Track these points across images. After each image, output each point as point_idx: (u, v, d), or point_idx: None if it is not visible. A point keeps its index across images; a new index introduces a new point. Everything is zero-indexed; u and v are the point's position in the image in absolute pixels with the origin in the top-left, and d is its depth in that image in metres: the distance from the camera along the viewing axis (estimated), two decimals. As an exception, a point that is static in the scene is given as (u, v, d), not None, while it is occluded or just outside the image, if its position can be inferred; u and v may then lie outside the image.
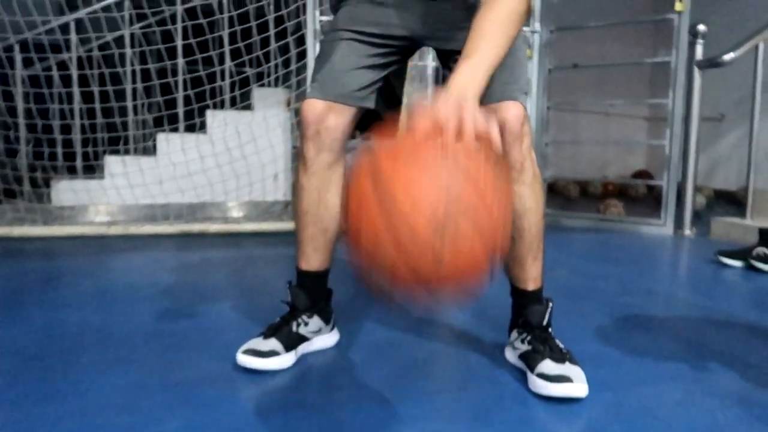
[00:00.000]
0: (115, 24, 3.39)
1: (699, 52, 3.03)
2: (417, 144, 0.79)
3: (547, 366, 1.18)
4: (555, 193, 4.81)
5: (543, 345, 1.24)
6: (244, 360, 1.25)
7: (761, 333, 1.59)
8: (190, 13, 3.42)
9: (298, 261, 1.37)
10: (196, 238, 2.88)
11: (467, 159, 0.79)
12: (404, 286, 0.77)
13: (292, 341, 1.31)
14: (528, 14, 1.07)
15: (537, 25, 3.49)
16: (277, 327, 1.32)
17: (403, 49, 1.32)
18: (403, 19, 1.26)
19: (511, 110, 1.18)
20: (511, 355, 1.31)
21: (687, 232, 3.14)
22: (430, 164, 0.76)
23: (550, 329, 1.29)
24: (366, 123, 1.36)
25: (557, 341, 1.26)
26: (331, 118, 1.25)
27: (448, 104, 0.84)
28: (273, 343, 1.28)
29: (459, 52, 1.00)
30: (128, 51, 3.34)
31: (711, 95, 3.23)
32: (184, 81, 3.41)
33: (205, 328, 1.55)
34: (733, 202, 4.18)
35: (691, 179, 3.16)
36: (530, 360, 1.22)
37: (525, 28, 3.39)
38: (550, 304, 1.30)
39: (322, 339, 1.39)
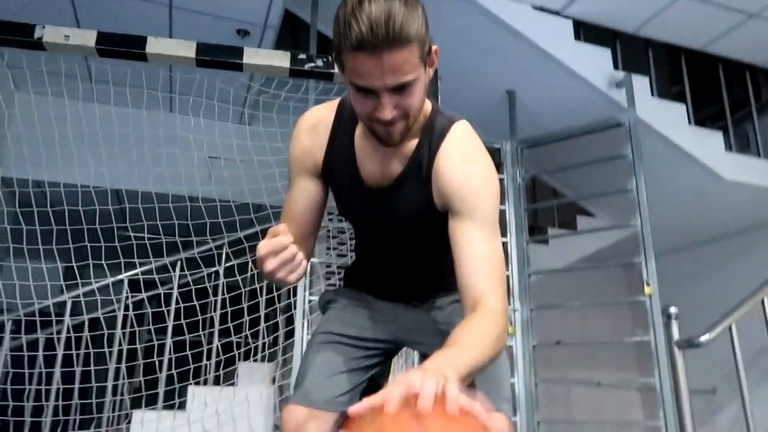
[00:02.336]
0: (109, 302, 3.51)
1: (675, 332, 3.13)
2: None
3: None
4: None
5: None
6: None
7: None
8: (184, 294, 3.58)
9: None
10: None
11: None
12: None
13: None
14: (505, 334, 1.10)
15: (517, 304, 3.65)
16: None
17: (386, 351, 1.36)
18: (386, 324, 1.32)
19: (499, 424, 1.15)
20: None
21: None
22: None
23: None
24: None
25: None
26: (311, 425, 1.22)
27: (424, 375, 0.79)
28: None
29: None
30: (119, 331, 3.39)
31: (702, 368, 3.22)
32: (170, 360, 3.40)
33: None
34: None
35: (694, 464, 2.99)
36: None
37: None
38: None
39: None
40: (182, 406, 3.31)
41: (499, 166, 4.03)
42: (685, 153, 3.68)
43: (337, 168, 1.25)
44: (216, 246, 3.71)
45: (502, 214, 3.93)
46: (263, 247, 1.04)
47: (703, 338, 2.99)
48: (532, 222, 5.08)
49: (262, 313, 3.51)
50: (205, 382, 3.45)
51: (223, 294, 3.51)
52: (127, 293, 3.49)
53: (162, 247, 3.47)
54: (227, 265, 3.66)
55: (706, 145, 3.75)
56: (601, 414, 4.92)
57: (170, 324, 3.50)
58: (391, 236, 1.28)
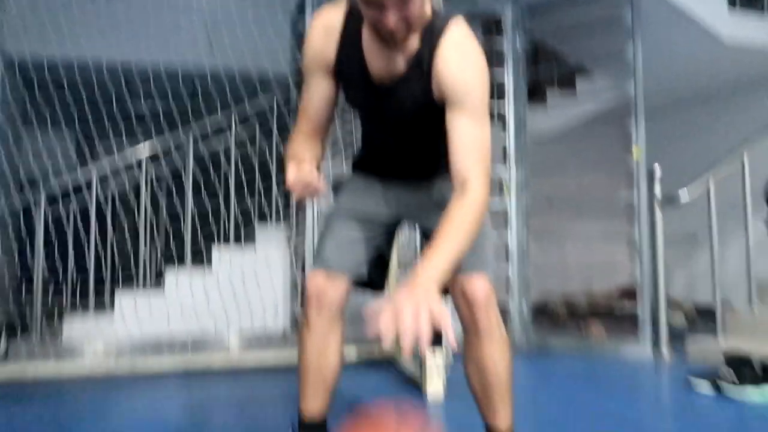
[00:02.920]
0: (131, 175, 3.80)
1: (657, 190, 3.40)
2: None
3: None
4: (544, 314, 5.01)
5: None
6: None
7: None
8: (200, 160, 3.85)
9: (300, 405, 1.55)
10: (199, 375, 3.03)
11: None
12: None
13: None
14: (484, 214, 1.33)
15: (513, 167, 3.89)
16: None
17: (391, 225, 1.61)
18: (390, 204, 1.57)
19: (478, 284, 1.42)
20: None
21: (665, 354, 3.32)
22: None
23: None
24: (362, 282, 1.63)
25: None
26: (330, 288, 1.49)
27: (410, 301, 1.03)
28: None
29: (434, 231, 1.25)
30: (144, 199, 3.69)
31: (686, 215, 3.49)
32: (192, 218, 3.75)
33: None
34: (712, 318, 4.39)
35: (663, 305, 3.40)
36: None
37: (502, 170, 3.78)
38: None
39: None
40: (205, 261, 3.70)
41: (499, 32, 4.06)
42: (683, 12, 3.68)
43: (347, 66, 1.40)
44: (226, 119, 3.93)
45: (500, 80, 4.04)
46: (292, 176, 1.30)
47: (682, 196, 3.27)
48: (533, 83, 5.17)
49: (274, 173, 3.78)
50: (228, 239, 3.81)
51: (236, 162, 3.77)
52: (147, 165, 3.74)
53: (175, 121, 3.67)
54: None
55: (707, 3, 3.73)
56: (592, 260, 5.36)
57: (189, 191, 3.82)
58: (395, 125, 1.47)
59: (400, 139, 1.50)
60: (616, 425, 2.12)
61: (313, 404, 1.53)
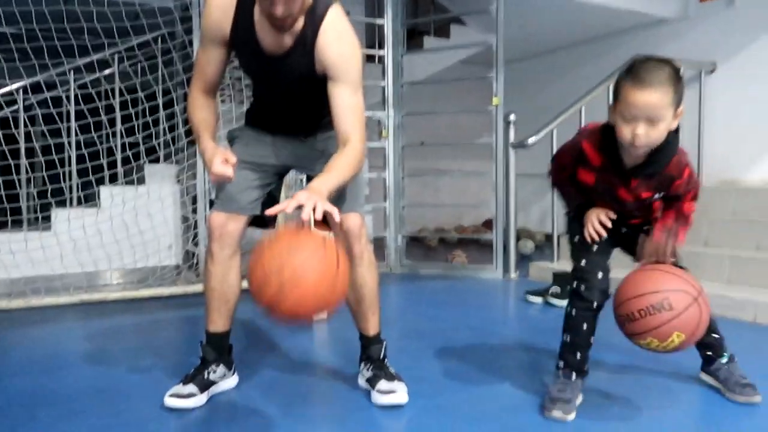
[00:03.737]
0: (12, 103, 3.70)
1: (511, 135, 3.92)
2: (290, 233, 1.34)
3: (382, 385, 1.78)
4: (418, 243, 5.58)
5: (380, 371, 1.84)
6: (170, 402, 1.74)
7: (542, 353, 2.31)
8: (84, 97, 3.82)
9: (207, 325, 1.88)
10: (97, 307, 3.22)
11: (324, 247, 1.33)
12: (274, 314, 1.30)
13: (204, 385, 1.81)
14: (363, 161, 1.68)
15: (391, 110, 4.25)
16: (193, 375, 1.82)
17: (279, 172, 1.92)
18: (279, 154, 1.87)
19: (353, 220, 1.79)
20: (361, 380, 1.91)
21: (512, 275, 3.96)
22: (298, 245, 1.30)
23: (385, 360, 1.90)
24: (255, 221, 1.94)
25: (390, 368, 1.87)
26: (230, 224, 1.80)
27: (307, 194, 1.38)
28: (191, 387, 1.78)
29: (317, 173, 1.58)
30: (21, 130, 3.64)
31: (540, 155, 4.06)
32: (79, 161, 3.77)
33: (135, 382, 1.99)
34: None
35: (513, 232, 4.01)
36: (372, 382, 1.82)
37: (381, 113, 4.13)
38: (385, 343, 1.92)
39: (227, 382, 1.90)
40: (92, 200, 3.77)
41: (380, -19, 4.30)
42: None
43: (241, 39, 1.66)
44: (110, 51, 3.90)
45: (380, 28, 4.32)
46: (216, 171, 1.57)
47: (530, 140, 3.81)
48: (411, 31, 5.49)
49: (162, 114, 3.87)
50: (116, 179, 3.88)
51: (122, 96, 3.81)
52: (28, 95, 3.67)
53: (57, 50, 3.59)
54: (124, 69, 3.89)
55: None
56: (462, 197, 5.96)
57: (73, 124, 3.82)
58: (283, 90, 1.76)
59: (287, 101, 1.80)
60: (465, 328, 2.64)
61: (219, 322, 1.86)
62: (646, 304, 1.49)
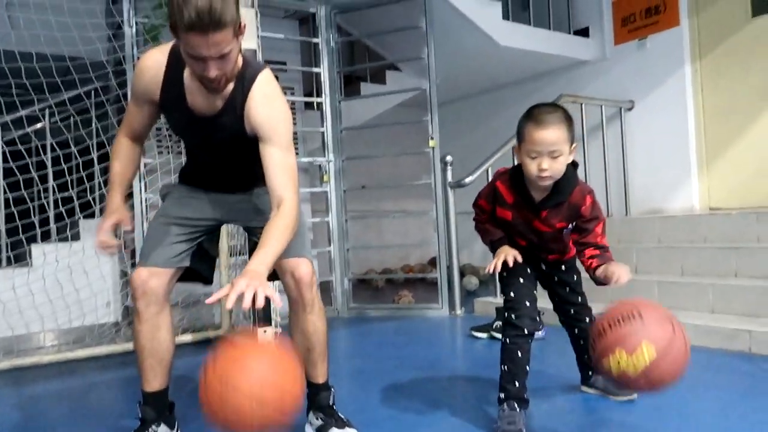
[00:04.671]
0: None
1: (449, 175, 4.04)
2: (240, 346, 1.36)
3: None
4: (366, 284, 5.59)
5: (330, 418, 1.84)
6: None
7: (489, 386, 2.35)
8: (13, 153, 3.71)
9: (143, 385, 1.82)
10: (30, 371, 3.06)
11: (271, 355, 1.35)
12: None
13: (147, 446, 1.75)
14: (298, 218, 1.69)
15: (331, 155, 4.32)
16: (135, 436, 1.77)
17: (212, 227, 1.92)
18: (212, 209, 1.88)
19: (304, 268, 1.78)
20: (309, 430, 1.89)
21: (458, 312, 4.03)
22: (245, 358, 1.32)
23: (334, 406, 1.90)
24: (191, 275, 1.92)
25: (340, 414, 1.87)
26: (152, 280, 1.77)
27: (246, 280, 1.40)
28: (133, 449, 1.72)
29: (255, 228, 1.59)
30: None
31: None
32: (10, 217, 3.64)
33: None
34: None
35: (456, 270, 4.09)
36: (322, 430, 1.81)
37: (322, 158, 4.17)
38: (333, 390, 1.91)
39: (169, 441, 1.85)
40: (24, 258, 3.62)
41: (315, 30, 4.42)
42: (470, 21, 4.34)
43: (171, 101, 1.69)
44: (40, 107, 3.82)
45: (317, 76, 4.42)
46: (98, 238, 1.67)
47: (467, 179, 3.93)
48: (349, 77, 5.63)
49: (97, 167, 3.79)
50: (47, 240, 3.75)
51: (54, 151, 3.72)
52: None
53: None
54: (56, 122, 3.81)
55: (487, 15, 4.43)
56: (406, 237, 6.03)
57: (0, 182, 3.70)
58: (215, 149, 1.78)
59: (219, 159, 1.82)
60: (413, 368, 2.66)
61: (153, 381, 1.81)
62: (616, 314, 1.51)
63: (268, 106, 1.66)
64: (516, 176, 1.82)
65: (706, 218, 3.71)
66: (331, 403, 1.89)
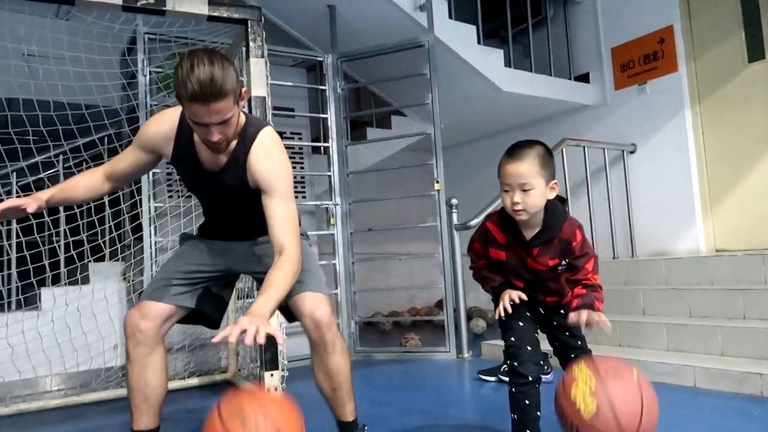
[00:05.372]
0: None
1: (454, 218, 4.09)
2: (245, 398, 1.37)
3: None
4: (372, 327, 5.57)
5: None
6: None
7: (491, 430, 2.33)
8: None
9: (131, 422, 1.87)
10: (36, 416, 3.05)
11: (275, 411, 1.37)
12: None
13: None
14: (300, 265, 1.74)
15: (338, 199, 4.38)
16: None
17: (218, 275, 1.98)
18: (222, 256, 1.96)
19: (321, 309, 1.82)
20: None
21: (465, 355, 4.00)
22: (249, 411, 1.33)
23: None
24: (198, 318, 1.95)
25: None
26: (143, 323, 1.83)
27: (249, 318, 1.44)
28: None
29: (260, 274, 1.66)
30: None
31: None
32: (21, 262, 3.68)
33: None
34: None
35: (463, 312, 4.09)
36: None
37: (329, 202, 4.22)
38: (365, 428, 1.95)
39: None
40: (34, 302, 3.65)
41: (322, 78, 4.55)
42: (473, 68, 4.47)
43: (182, 158, 1.82)
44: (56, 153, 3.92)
45: (324, 121, 4.52)
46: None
47: (472, 222, 3.97)
48: (355, 122, 5.76)
49: (107, 212, 3.86)
50: (57, 283, 3.79)
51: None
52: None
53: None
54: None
55: (489, 62, 4.56)
56: (413, 279, 6.02)
57: (14, 226, 3.75)
58: (222, 200, 1.90)
59: (225, 210, 1.93)
60: (419, 414, 2.64)
61: (140, 420, 1.86)
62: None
63: (268, 160, 1.76)
64: (505, 215, 1.83)
65: (712, 260, 3.71)
66: (364, 439, 1.91)
